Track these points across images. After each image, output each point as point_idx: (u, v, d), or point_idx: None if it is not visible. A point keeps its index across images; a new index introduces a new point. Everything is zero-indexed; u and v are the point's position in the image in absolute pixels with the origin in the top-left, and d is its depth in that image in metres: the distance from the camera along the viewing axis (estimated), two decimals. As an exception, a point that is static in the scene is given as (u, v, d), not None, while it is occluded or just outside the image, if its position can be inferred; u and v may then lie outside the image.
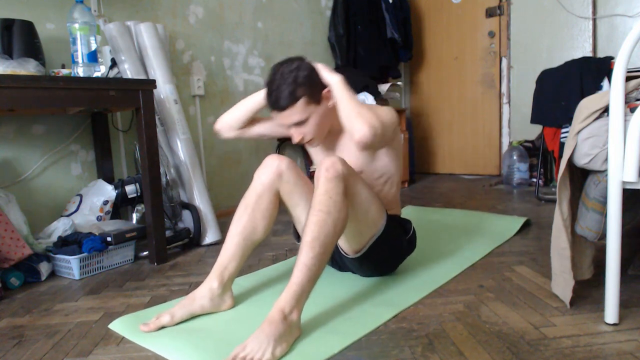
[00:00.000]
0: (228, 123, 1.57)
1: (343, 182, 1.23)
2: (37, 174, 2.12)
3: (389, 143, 1.48)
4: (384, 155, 1.51)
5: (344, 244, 1.46)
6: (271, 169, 1.41)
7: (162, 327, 1.27)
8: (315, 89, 1.37)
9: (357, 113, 1.29)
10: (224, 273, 1.37)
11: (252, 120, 1.58)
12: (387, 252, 1.53)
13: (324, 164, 1.24)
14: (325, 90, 1.39)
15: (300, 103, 1.34)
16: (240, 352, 1.07)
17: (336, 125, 1.48)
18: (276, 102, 1.34)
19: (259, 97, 1.51)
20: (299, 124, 1.38)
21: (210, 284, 1.36)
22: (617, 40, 3.18)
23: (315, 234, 1.18)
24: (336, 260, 1.60)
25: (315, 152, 1.62)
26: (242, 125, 1.56)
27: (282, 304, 1.14)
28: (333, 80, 1.37)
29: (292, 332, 1.15)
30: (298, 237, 1.60)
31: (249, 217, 1.40)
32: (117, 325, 1.34)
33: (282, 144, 3.28)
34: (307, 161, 3.49)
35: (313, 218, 1.19)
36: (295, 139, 1.42)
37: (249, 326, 1.25)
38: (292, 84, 1.32)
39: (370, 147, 1.33)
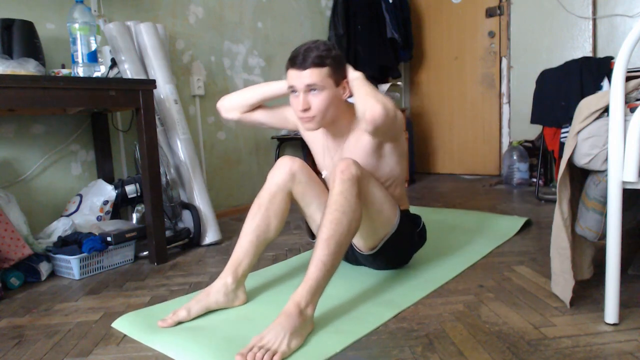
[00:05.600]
0: (234, 103, 1.61)
1: (357, 183, 1.27)
2: (37, 174, 2.12)
3: (395, 137, 1.47)
4: (389, 159, 1.52)
5: (358, 242, 1.51)
6: (284, 170, 1.45)
7: (180, 323, 1.30)
8: (339, 70, 1.40)
9: (373, 95, 1.29)
10: (237, 269, 1.40)
11: (255, 107, 1.62)
12: (399, 247, 1.58)
13: (340, 166, 1.28)
14: (344, 80, 1.42)
15: (324, 70, 1.35)
16: (258, 342, 1.10)
17: (343, 127, 1.51)
18: (303, 60, 1.34)
19: (275, 86, 1.54)
20: (312, 89, 1.36)
21: (225, 279, 1.39)
22: (617, 40, 3.18)
23: (331, 232, 1.22)
24: (349, 255, 1.62)
25: (318, 153, 1.65)
26: (249, 108, 1.60)
27: (298, 298, 1.18)
28: (355, 74, 1.41)
29: (307, 326, 1.18)
30: (311, 235, 1.66)
31: (262, 215, 1.43)
32: (120, 323, 1.34)
33: (282, 144, 3.28)
34: (308, 161, 3.48)
35: (329, 217, 1.23)
36: (301, 106, 1.37)
37: (251, 324, 1.27)
38: (324, 51, 1.35)
39: (380, 128, 1.28)
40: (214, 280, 1.42)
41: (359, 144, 1.49)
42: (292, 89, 1.39)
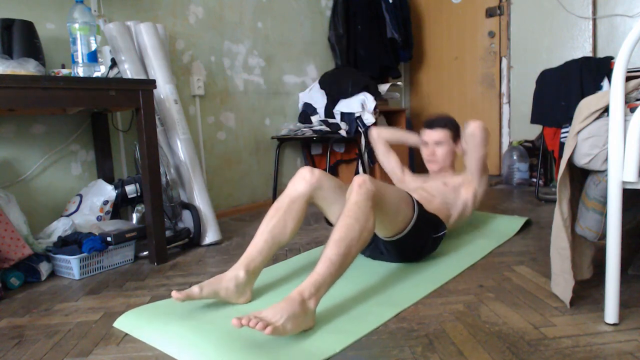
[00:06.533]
0: (384, 135, 2.31)
1: (372, 198, 1.37)
2: (37, 174, 2.12)
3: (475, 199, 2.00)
4: (459, 200, 1.95)
5: (381, 233, 1.62)
6: (305, 181, 1.56)
7: (191, 299, 1.32)
8: (456, 134, 2.09)
9: (482, 167, 1.97)
10: (250, 264, 1.44)
11: (390, 149, 2.29)
12: (414, 242, 1.69)
13: (357, 181, 1.40)
14: (459, 139, 2.08)
15: (445, 131, 2.06)
16: (255, 314, 1.13)
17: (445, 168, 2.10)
18: (433, 123, 2.10)
19: (413, 137, 2.25)
20: (437, 143, 2.06)
21: (237, 272, 1.42)
22: (617, 40, 3.18)
23: (342, 235, 1.28)
24: (371, 247, 1.77)
25: (411, 180, 2.18)
26: (391, 142, 2.31)
27: (302, 288, 1.21)
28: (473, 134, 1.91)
29: (306, 319, 1.19)
30: (329, 223, 1.77)
31: (280, 218, 1.50)
32: (122, 322, 1.35)
33: (282, 144, 3.28)
34: (307, 160, 3.49)
35: (342, 222, 1.31)
36: (428, 153, 2.09)
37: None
38: (447, 120, 2.10)
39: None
40: (214, 280, 1.43)
41: (446, 179, 2.02)
42: (425, 142, 2.10)
